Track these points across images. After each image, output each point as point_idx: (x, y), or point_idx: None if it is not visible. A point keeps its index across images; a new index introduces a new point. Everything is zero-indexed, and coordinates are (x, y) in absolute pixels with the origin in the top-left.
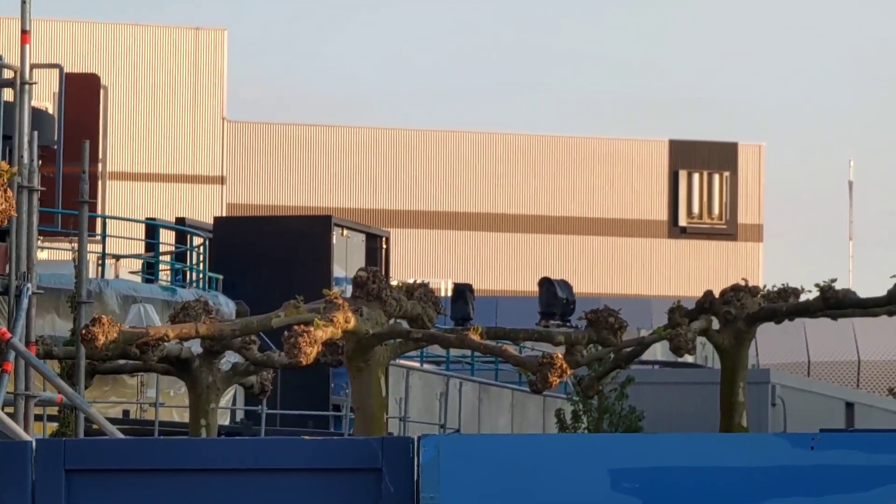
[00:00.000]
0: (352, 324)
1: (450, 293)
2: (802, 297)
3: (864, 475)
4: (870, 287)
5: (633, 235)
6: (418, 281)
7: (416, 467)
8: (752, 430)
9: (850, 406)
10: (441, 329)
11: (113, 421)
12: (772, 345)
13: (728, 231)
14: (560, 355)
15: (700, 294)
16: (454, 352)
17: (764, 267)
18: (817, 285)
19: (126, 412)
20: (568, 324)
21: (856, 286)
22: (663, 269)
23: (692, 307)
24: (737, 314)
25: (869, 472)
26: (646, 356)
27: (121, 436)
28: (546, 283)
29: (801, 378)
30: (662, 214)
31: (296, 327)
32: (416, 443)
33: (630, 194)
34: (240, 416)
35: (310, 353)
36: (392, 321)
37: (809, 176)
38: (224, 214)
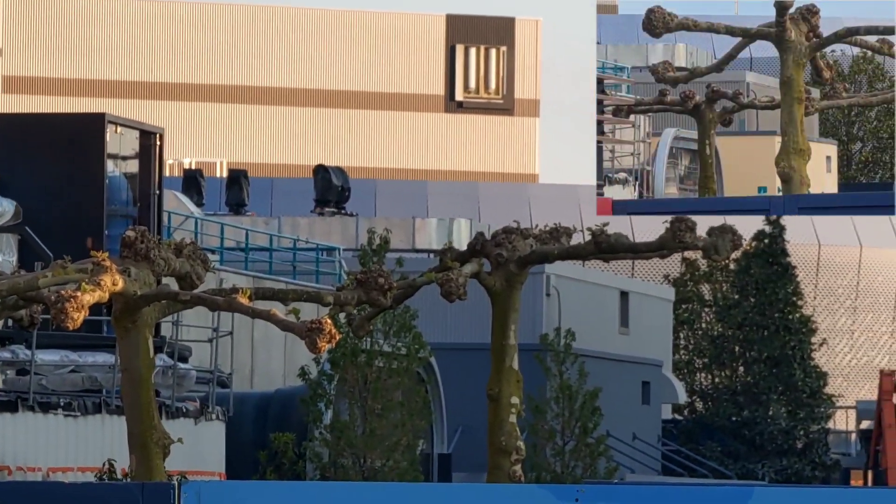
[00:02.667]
0: (119, 286)
1: (225, 174)
2: (575, 238)
3: None
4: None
5: (409, 110)
6: (194, 163)
7: None
8: (525, 323)
9: (624, 295)
10: (209, 291)
11: None
12: None
13: (504, 106)
14: (328, 319)
15: (476, 169)
16: (228, 242)
17: (539, 142)
18: (589, 229)
19: None
20: (343, 211)
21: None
22: (440, 144)
23: (466, 243)
24: (508, 257)
25: None
26: (420, 244)
27: None
28: (321, 171)
29: (575, 267)
30: (439, 89)
31: (62, 292)
32: (177, 488)
33: (406, 69)
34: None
35: (77, 318)
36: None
37: (587, 52)
38: (1, 87)
